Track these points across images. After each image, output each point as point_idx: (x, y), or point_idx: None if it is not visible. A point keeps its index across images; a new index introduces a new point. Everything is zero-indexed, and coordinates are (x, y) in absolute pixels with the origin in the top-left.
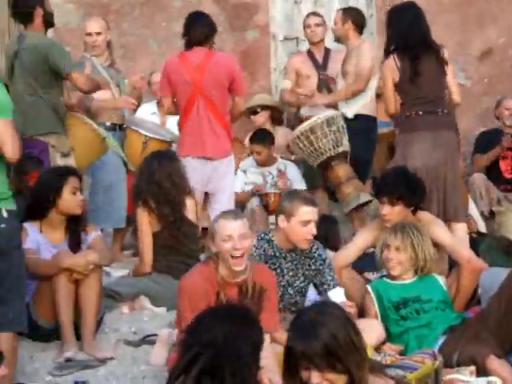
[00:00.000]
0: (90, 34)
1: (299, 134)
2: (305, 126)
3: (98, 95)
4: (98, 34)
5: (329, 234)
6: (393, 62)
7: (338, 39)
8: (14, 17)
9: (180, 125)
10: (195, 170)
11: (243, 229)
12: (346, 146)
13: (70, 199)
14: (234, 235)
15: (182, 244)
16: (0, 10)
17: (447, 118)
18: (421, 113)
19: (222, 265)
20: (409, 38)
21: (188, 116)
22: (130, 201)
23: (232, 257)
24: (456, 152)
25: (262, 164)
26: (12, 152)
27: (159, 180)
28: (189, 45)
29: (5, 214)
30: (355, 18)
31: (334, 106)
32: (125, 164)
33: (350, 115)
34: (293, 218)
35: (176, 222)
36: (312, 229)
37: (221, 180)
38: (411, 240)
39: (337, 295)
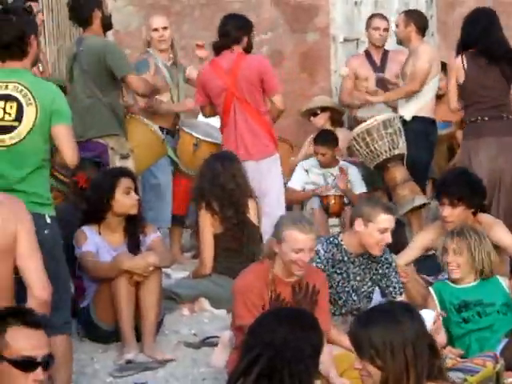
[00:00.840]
0: (156, 30)
1: (355, 135)
2: (361, 127)
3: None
4: (165, 28)
5: (397, 237)
6: (460, 63)
7: (400, 41)
8: (72, 20)
9: (221, 130)
10: None
11: (313, 241)
12: (402, 148)
13: (123, 200)
14: (305, 248)
15: (244, 246)
16: (61, 13)
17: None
18: (486, 118)
19: (280, 265)
20: (482, 42)
21: (226, 120)
22: (182, 201)
23: (297, 265)
24: None
25: (325, 165)
26: (72, 157)
27: (223, 182)
28: (217, 50)
29: (48, 220)
30: (417, 21)
31: (393, 108)
32: (175, 165)
33: (408, 117)
34: (371, 224)
35: (239, 225)
36: (388, 237)
37: (265, 180)
38: (468, 242)
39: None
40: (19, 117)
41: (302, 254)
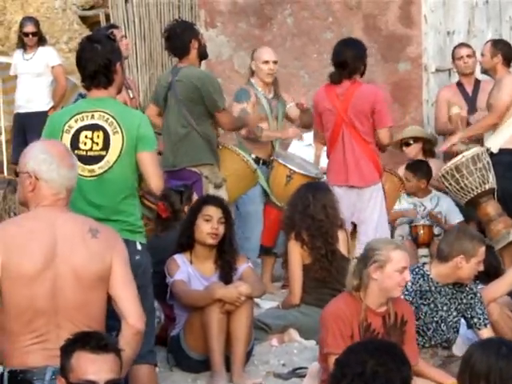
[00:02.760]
0: (267, 62)
1: (445, 173)
2: (450, 164)
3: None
4: (275, 62)
5: (491, 266)
6: None
7: (485, 71)
8: (169, 49)
9: (327, 154)
10: (340, 199)
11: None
12: (492, 182)
13: (201, 227)
14: (407, 267)
15: (332, 277)
16: (154, 42)
17: None
18: None
19: (373, 293)
20: None
21: (333, 145)
22: (271, 232)
23: (399, 286)
24: None
25: (410, 193)
26: (156, 184)
27: (314, 212)
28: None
29: (139, 247)
30: (505, 51)
31: (480, 142)
32: (265, 195)
33: (495, 150)
34: (473, 259)
35: (328, 255)
36: (481, 266)
37: (365, 209)
38: None
39: None
40: (106, 146)
41: (406, 273)
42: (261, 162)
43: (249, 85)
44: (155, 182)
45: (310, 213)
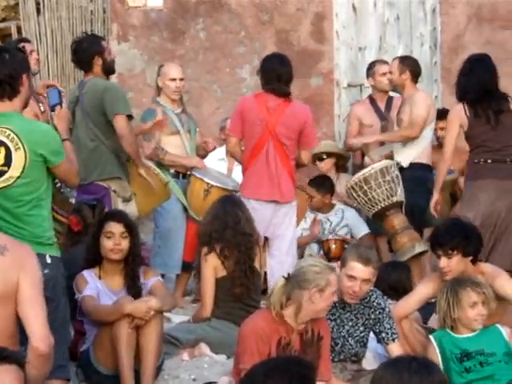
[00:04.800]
0: (173, 80)
1: (353, 184)
2: (359, 176)
3: (170, 141)
4: (182, 79)
5: (396, 281)
6: (462, 109)
7: (393, 88)
8: (75, 63)
9: (245, 165)
10: (256, 213)
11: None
12: (400, 196)
13: (104, 243)
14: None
15: (247, 291)
16: (65, 55)
17: None
18: (489, 161)
19: (303, 313)
20: (481, 88)
21: (255, 157)
22: (190, 248)
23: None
24: None
25: (313, 208)
26: (73, 182)
27: (228, 226)
28: (274, 91)
29: (48, 260)
30: (413, 68)
31: (390, 156)
32: (185, 211)
33: (405, 164)
34: (343, 269)
35: (247, 271)
36: (355, 286)
37: (280, 225)
38: (487, 293)
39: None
40: (8, 162)
41: (334, 294)
42: (180, 176)
43: (155, 103)
44: (72, 182)
45: (225, 226)
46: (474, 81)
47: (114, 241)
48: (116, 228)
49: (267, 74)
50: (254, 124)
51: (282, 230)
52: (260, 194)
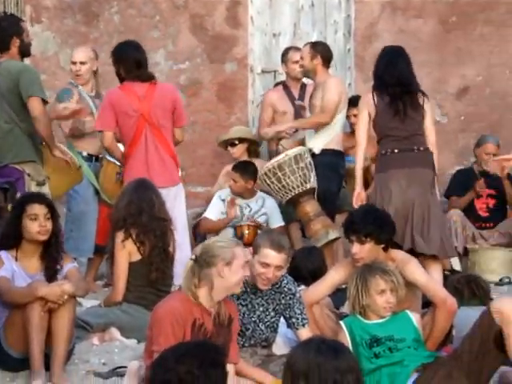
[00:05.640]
0: (74, 63)
1: (267, 170)
2: (273, 162)
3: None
4: (82, 63)
5: (316, 267)
6: (370, 98)
7: (305, 74)
8: None
9: (126, 155)
10: None
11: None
12: (313, 182)
13: (29, 226)
14: (248, 260)
15: (162, 276)
16: None
17: (423, 155)
18: (396, 151)
19: (206, 293)
20: (385, 78)
21: (135, 145)
22: (103, 231)
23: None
24: (432, 189)
25: (235, 193)
26: None
27: (144, 210)
28: (138, 79)
29: None
30: (324, 53)
31: (301, 143)
32: (98, 194)
33: (317, 150)
34: (256, 256)
35: (160, 254)
36: (268, 273)
37: (173, 209)
38: (396, 280)
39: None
40: None
41: (246, 268)
42: (93, 158)
43: (70, 84)
44: None
45: (138, 209)
46: (395, 74)
47: (40, 222)
48: (40, 209)
49: (126, 63)
50: (127, 115)
51: (176, 214)
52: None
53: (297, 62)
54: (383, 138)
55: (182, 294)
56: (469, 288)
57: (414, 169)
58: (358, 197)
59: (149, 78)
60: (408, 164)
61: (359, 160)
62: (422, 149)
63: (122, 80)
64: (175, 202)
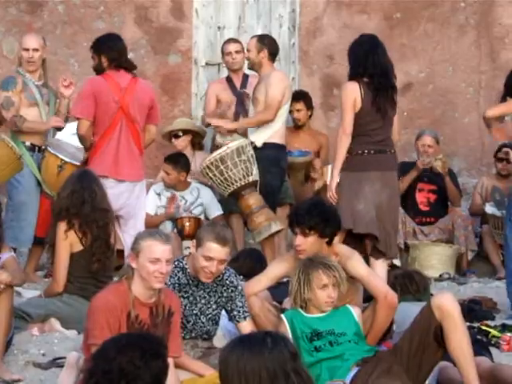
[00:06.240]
0: (27, 50)
1: (209, 163)
2: (215, 155)
3: (28, 113)
4: (35, 50)
5: (255, 269)
6: (357, 87)
7: (251, 66)
8: None
9: (98, 144)
10: (111, 191)
11: (170, 254)
12: (255, 175)
13: None
14: (162, 259)
15: (103, 267)
16: None
17: (393, 158)
18: (373, 152)
19: (139, 284)
20: (368, 67)
21: (108, 136)
22: (43, 222)
23: (155, 277)
24: (397, 191)
25: (169, 186)
26: None
27: (86, 201)
28: (117, 67)
29: None
30: (270, 47)
31: (244, 135)
32: (40, 185)
33: (259, 144)
34: (199, 249)
35: (101, 245)
36: (211, 267)
37: (135, 204)
38: (338, 275)
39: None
40: None
41: (160, 266)
42: (36, 149)
43: (17, 72)
44: None
45: (81, 200)
46: (377, 63)
47: None
48: None
49: (110, 51)
50: (107, 105)
51: (137, 209)
52: (111, 172)
53: (229, 53)
54: (361, 135)
55: (119, 285)
56: (403, 284)
57: (386, 172)
58: (332, 193)
59: (133, 67)
60: (382, 167)
61: (343, 150)
62: (392, 151)
63: (100, 73)
64: (139, 196)
